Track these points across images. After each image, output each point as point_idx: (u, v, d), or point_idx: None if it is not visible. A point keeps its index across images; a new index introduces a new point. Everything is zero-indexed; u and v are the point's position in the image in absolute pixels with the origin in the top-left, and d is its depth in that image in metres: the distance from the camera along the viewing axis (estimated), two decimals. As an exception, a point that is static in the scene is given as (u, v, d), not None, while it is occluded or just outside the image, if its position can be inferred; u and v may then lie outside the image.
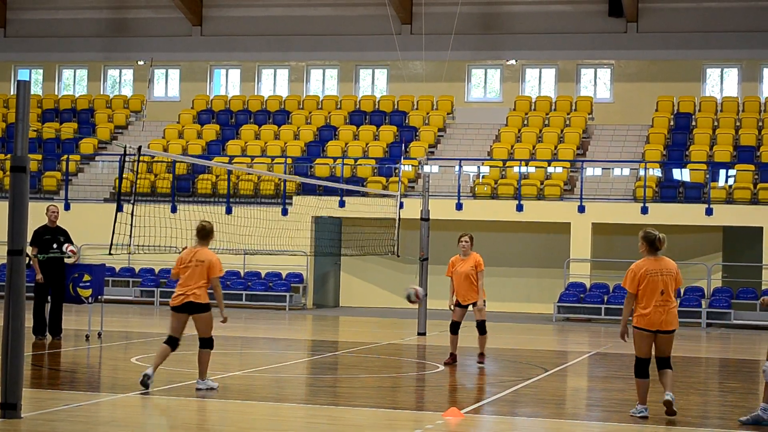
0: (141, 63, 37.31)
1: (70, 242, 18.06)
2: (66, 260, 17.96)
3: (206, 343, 12.37)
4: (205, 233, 12.58)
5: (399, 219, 21.70)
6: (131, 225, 13.70)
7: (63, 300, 18.07)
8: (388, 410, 11.53)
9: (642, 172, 28.82)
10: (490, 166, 30.59)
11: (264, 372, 14.70)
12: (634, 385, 11.44)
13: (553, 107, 33.84)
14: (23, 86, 10.40)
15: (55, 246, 17.74)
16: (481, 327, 15.77)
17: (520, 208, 28.29)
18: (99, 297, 18.46)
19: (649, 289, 11.22)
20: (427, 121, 33.70)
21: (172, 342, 12.38)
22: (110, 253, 13.76)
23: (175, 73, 37.71)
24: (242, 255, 26.04)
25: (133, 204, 13.74)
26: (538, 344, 20.94)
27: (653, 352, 11.34)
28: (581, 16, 34.19)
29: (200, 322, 12.37)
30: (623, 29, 33.80)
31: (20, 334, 10.18)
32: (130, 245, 13.83)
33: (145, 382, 12.11)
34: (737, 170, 29.02)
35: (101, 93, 37.78)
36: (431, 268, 22.98)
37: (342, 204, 28.50)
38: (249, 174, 30.49)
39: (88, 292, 18.16)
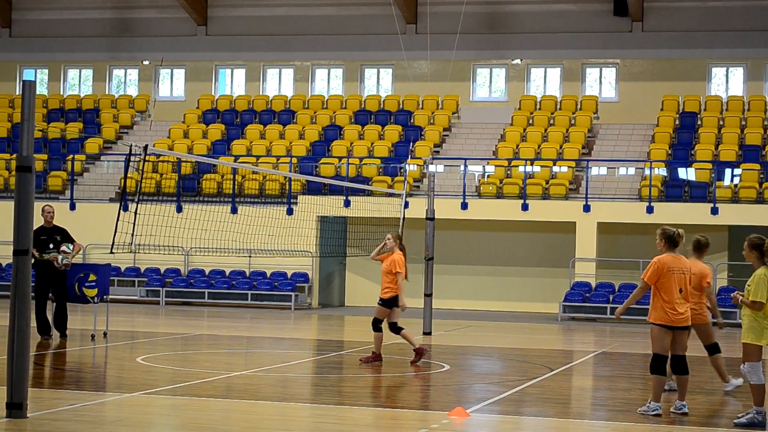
0: (146, 63, 37.34)
1: (70, 241, 17.84)
2: (57, 265, 17.61)
3: (712, 348, 13.32)
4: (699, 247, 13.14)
5: (403, 218, 21.69)
6: (134, 224, 13.71)
7: (66, 299, 17.95)
8: (394, 410, 11.52)
9: (647, 172, 28.78)
10: (496, 166, 30.57)
11: (269, 371, 14.70)
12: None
13: (558, 107, 33.81)
14: (28, 86, 10.40)
15: (51, 246, 17.62)
16: (391, 327, 15.75)
17: (525, 207, 28.27)
18: (104, 297, 18.47)
19: (669, 285, 11.19)
20: (432, 121, 33.69)
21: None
22: (112, 252, 13.77)
23: (180, 73, 37.73)
24: (247, 255, 26.06)
25: (137, 203, 13.76)
26: (544, 344, 20.92)
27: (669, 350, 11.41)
28: (586, 15, 34.16)
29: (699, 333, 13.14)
30: (628, 28, 33.77)
31: (26, 334, 10.17)
32: (131, 244, 13.84)
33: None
34: (743, 169, 28.97)
35: (106, 93, 37.81)
36: (436, 267, 22.97)
37: (347, 203, 28.50)
38: (254, 173, 30.50)
39: (93, 292, 18.16)
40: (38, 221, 17.57)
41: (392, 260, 15.68)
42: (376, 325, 15.73)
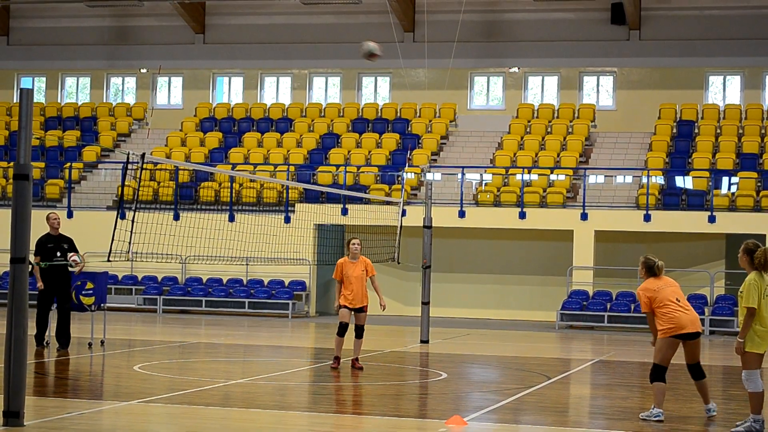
0: (144, 71, 37.36)
1: (75, 250, 17.83)
2: (70, 269, 17.80)
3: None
4: None
5: (401, 226, 21.71)
6: (131, 232, 13.71)
7: (69, 309, 17.85)
8: (391, 418, 11.51)
9: (645, 180, 28.80)
10: (493, 174, 30.58)
11: (267, 380, 14.69)
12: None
13: (555, 115, 33.85)
14: (26, 94, 10.40)
15: (59, 254, 17.59)
16: (360, 331, 15.95)
17: (522, 215, 28.29)
18: (101, 305, 18.46)
19: (665, 300, 11.60)
20: (429, 129, 33.71)
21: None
22: (108, 260, 13.76)
23: (177, 81, 37.75)
24: (245, 263, 26.05)
25: (134, 211, 13.75)
26: (541, 352, 20.91)
27: (685, 360, 11.82)
28: (583, 23, 34.21)
29: None
30: (626, 37, 33.82)
31: (23, 343, 10.16)
32: (129, 252, 13.83)
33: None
34: (740, 178, 29.00)
35: (104, 101, 37.81)
36: (434, 275, 22.94)
37: (345, 212, 28.50)
38: (252, 181, 30.50)
39: (90, 300, 18.15)
40: (43, 228, 17.60)
41: (369, 264, 16.02)
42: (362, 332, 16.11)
